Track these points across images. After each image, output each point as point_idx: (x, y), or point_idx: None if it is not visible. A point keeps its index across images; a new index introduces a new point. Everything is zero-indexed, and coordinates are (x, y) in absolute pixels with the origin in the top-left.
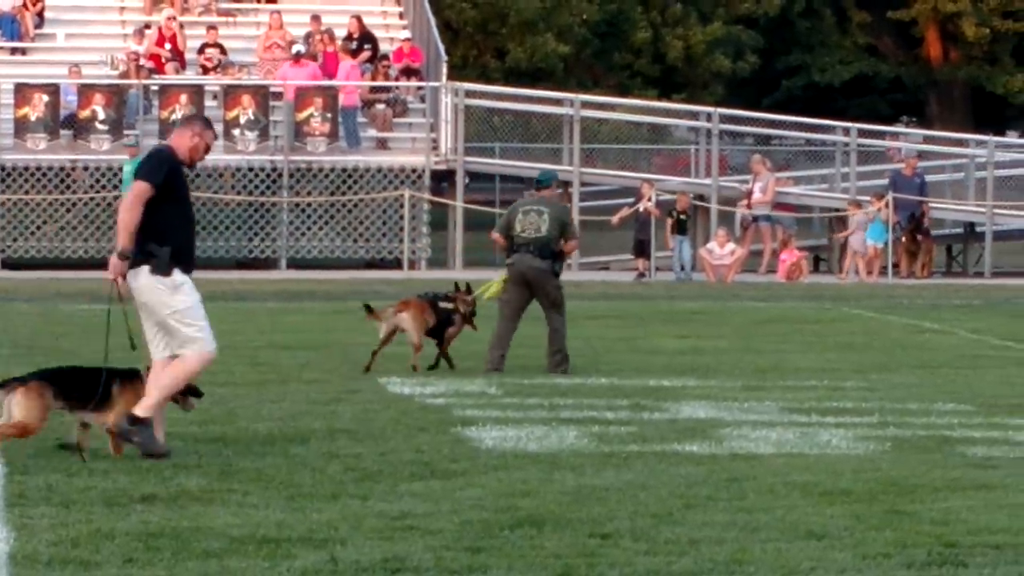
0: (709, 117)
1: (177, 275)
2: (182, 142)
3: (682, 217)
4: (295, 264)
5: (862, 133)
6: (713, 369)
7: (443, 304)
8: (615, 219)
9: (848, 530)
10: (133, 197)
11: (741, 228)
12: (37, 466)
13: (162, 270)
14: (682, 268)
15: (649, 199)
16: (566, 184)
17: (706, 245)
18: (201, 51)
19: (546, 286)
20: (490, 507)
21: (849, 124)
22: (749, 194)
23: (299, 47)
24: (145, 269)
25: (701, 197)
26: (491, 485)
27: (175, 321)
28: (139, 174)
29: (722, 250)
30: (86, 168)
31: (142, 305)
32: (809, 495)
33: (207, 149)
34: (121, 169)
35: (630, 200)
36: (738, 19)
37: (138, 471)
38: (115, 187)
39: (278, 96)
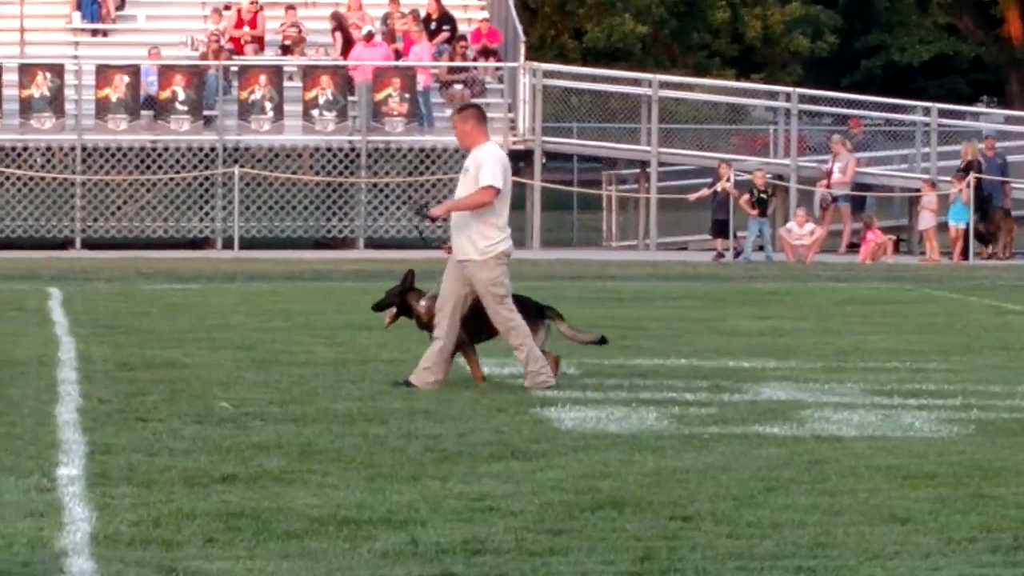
0: (788, 97)
1: None
2: None
3: (762, 196)
4: (373, 244)
5: (942, 113)
6: (793, 350)
7: None
8: (692, 197)
9: (932, 514)
10: None
11: (820, 208)
12: (119, 446)
13: None
14: (760, 248)
15: (727, 180)
16: (643, 164)
17: (785, 225)
18: (284, 31)
19: None
20: (570, 489)
21: (929, 104)
22: (829, 174)
23: (369, 28)
24: None
25: (780, 177)
26: (571, 467)
27: None
28: None
29: (801, 230)
30: (177, 147)
31: None
32: (892, 478)
33: None
34: (201, 150)
35: (708, 180)
36: None
37: (218, 451)
38: (194, 167)
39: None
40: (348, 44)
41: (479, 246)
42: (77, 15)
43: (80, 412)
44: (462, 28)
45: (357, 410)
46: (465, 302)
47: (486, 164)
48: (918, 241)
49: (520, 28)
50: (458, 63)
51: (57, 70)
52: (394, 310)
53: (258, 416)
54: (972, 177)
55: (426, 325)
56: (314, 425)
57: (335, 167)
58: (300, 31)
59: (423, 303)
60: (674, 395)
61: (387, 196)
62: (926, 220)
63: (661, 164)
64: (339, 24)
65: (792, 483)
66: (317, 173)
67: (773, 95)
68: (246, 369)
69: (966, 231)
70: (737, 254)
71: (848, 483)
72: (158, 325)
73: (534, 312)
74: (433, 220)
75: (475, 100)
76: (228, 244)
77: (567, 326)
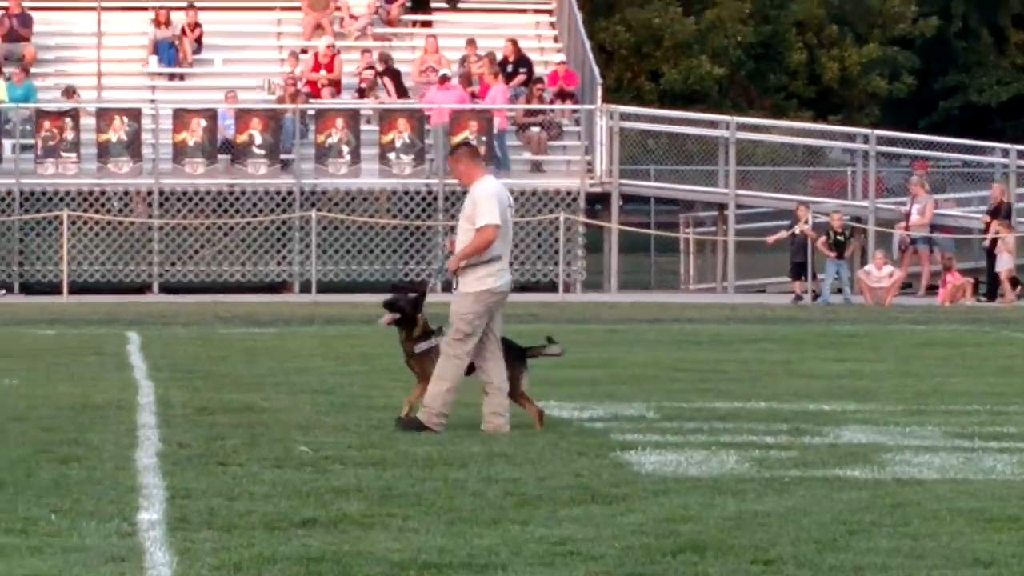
0: (866, 139)
1: None
2: None
3: (840, 238)
4: (450, 287)
5: (1021, 154)
6: (873, 393)
7: None
8: (770, 240)
9: (1016, 557)
10: None
11: (899, 250)
12: (199, 490)
13: None
14: (838, 291)
15: (806, 222)
16: (722, 207)
17: (864, 267)
18: (360, 74)
19: None
20: (651, 532)
21: (1008, 145)
22: (907, 216)
23: (445, 70)
24: None
25: (858, 219)
26: (652, 510)
27: None
28: None
29: (880, 272)
30: (255, 191)
31: None
32: (975, 521)
33: None
34: (279, 193)
35: (786, 223)
36: (894, 40)
37: (298, 495)
38: (271, 211)
39: (430, 119)
40: (400, 85)
41: (466, 278)
42: (154, 59)
43: (160, 456)
44: (539, 71)
45: (436, 454)
46: (495, 335)
47: (480, 203)
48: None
49: (597, 70)
50: (535, 106)
51: (134, 114)
52: (397, 315)
53: (338, 460)
54: None
55: (415, 340)
56: (394, 469)
57: (412, 210)
58: (376, 74)
59: (424, 319)
60: (754, 438)
61: None
62: (1004, 262)
63: (739, 206)
64: (387, 66)
65: (874, 526)
66: (394, 216)
67: (851, 137)
68: (325, 413)
69: None
70: (815, 296)
71: (930, 526)
72: (236, 369)
73: (515, 356)
74: (453, 274)
75: (551, 143)
76: (306, 288)
77: (535, 349)
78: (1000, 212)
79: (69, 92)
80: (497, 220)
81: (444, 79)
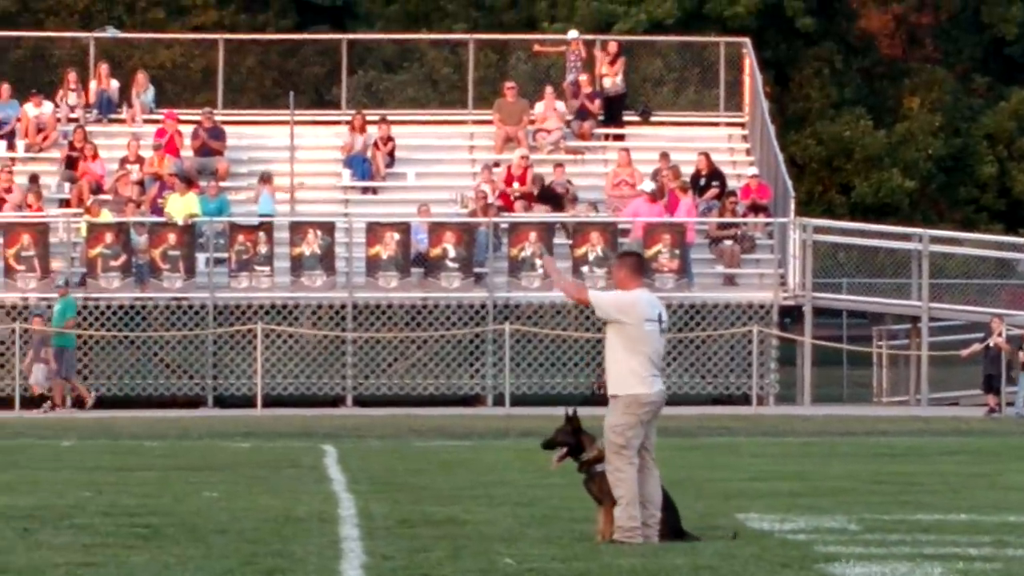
0: None
1: None
2: None
3: None
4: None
5: None
6: None
7: None
8: (964, 353)
9: None
10: None
11: None
12: None
13: None
14: None
15: (999, 334)
16: (914, 320)
17: None
18: (548, 188)
19: None
20: None
21: None
22: None
23: (650, 185)
24: None
25: None
26: None
27: None
28: None
29: None
30: (448, 305)
31: None
32: None
33: None
34: (472, 307)
35: (979, 335)
36: None
37: None
38: (465, 324)
39: (625, 232)
40: (556, 200)
41: (612, 387)
42: (347, 173)
43: (365, 568)
44: (731, 184)
45: (641, 566)
46: (649, 450)
47: (610, 295)
48: None
49: (790, 183)
50: (728, 219)
51: (328, 228)
52: (564, 449)
53: (542, 572)
54: None
55: (590, 463)
56: None
57: (605, 323)
58: (569, 188)
59: (599, 443)
60: (958, 550)
61: None
62: None
63: (931, 319)
64: (543, 187)
65: None
66: (587, 330)
67: None
68: (527, 525)
69: None
70: (1009, 405)
71: None
72: (434, 482)
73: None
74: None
75: (744, 256)
76: (499, 401)
77: None
78: None
79: (266, 178)
80: (593, 300)
81: (652, 198)
